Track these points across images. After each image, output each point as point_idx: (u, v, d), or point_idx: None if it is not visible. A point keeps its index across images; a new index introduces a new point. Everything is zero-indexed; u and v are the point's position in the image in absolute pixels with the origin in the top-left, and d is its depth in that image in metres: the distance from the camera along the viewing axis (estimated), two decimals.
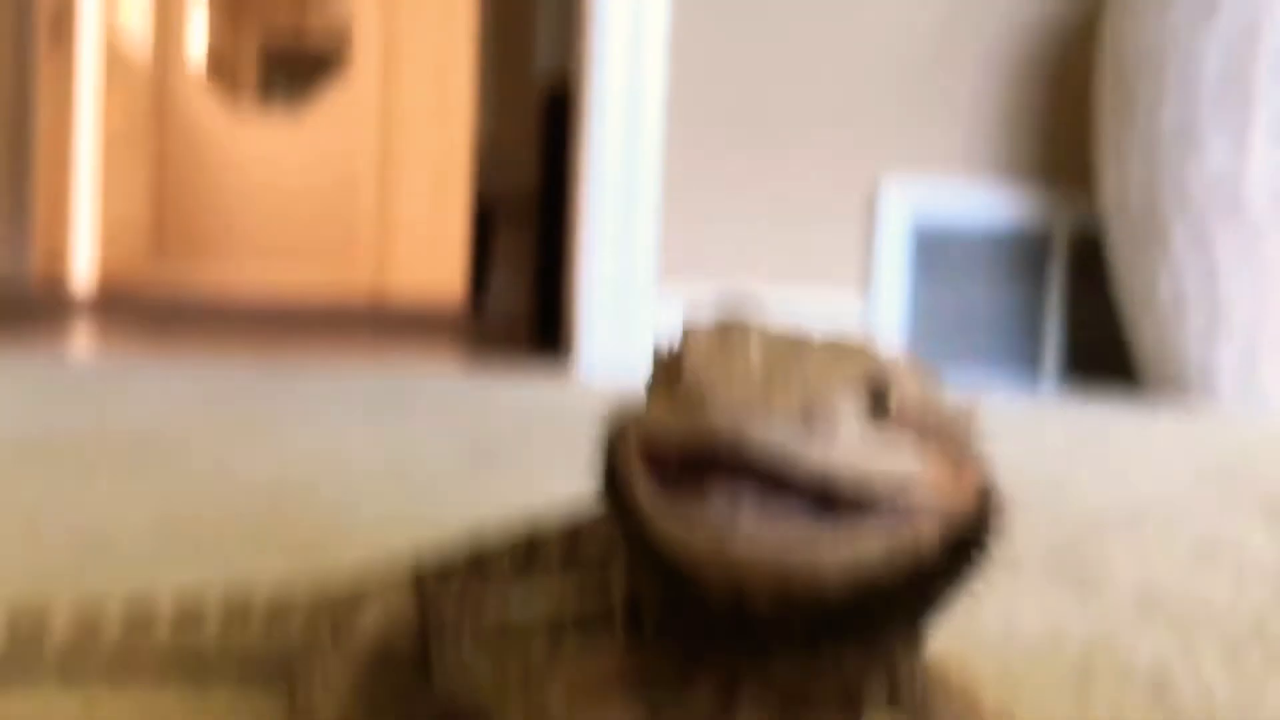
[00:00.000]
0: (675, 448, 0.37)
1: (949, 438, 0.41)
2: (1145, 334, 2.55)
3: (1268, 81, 2.34)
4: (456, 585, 0.59)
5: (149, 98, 6.67)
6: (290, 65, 7.80)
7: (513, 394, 2.32)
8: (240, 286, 4.96)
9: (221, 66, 7.74)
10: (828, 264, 2.83)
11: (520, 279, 4.05)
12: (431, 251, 6.26)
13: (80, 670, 0.70)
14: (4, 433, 1.57)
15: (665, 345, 0.44)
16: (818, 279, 2.81)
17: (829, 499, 0.36)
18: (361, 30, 6.81)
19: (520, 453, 1.59)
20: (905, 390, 0.39)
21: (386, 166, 6.53)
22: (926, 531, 0.38)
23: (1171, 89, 2.42)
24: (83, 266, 5.62)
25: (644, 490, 0.38)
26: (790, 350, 0.37)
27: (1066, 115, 2.83)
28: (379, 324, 4.30)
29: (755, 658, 0.42)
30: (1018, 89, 2.87)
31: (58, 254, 5.34)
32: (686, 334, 0.40)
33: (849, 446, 0.36)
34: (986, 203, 2.87)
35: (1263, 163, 2.36)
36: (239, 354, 2.93)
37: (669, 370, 0.41)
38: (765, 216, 2.80)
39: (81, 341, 3.42)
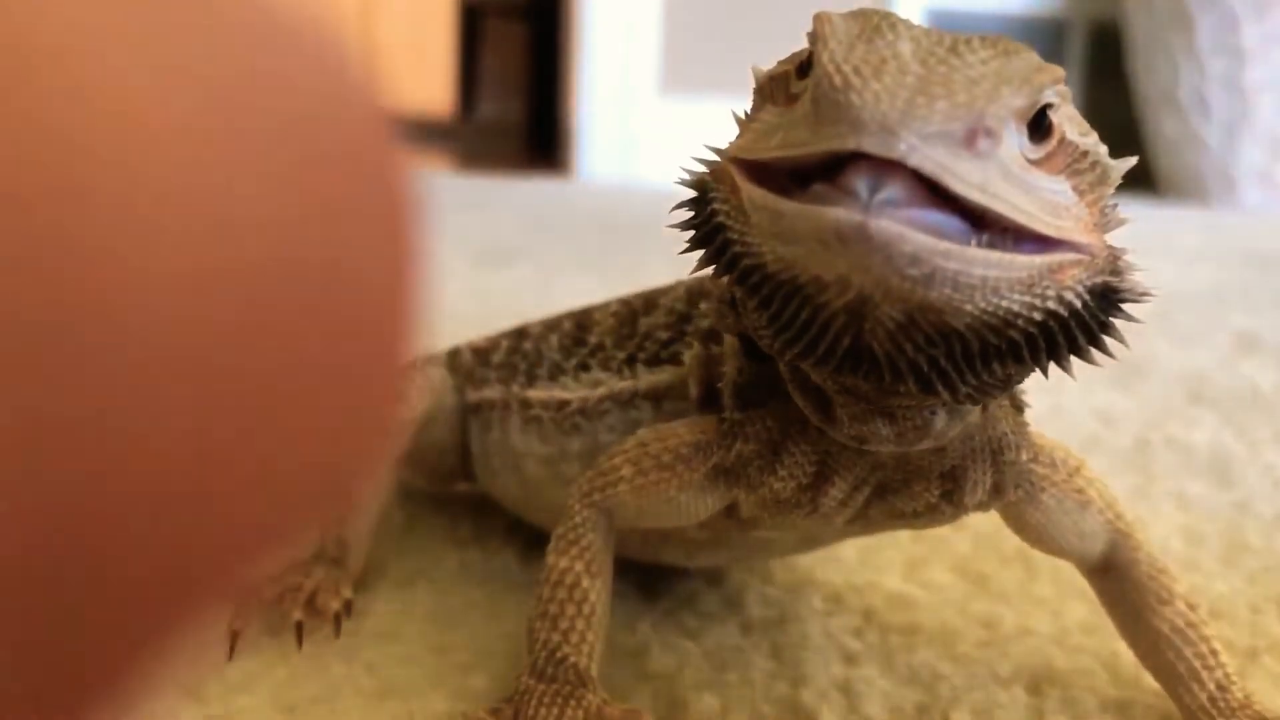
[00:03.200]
0: (797, 162, 0.30)
1: (1100, 177, 0.35)
2: (1164, 133, 2.47)
3: None
4: (499, 359, 0.55)
5: None
6: None
7: (512, 196, 2.25)
8: None
9: None
10: None
11: (512, 90, 3.91)
12: (415, 65, 6.11)
13: None
14: None
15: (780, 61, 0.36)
16: None
17: (977, 223, 0.30)
18: None
19: (526, 251, 1.53)
20: (1064, 111, 0.33)
21: None
22: (1071, 273, 0.32)
23: None
24: None
25: (756, 196, 0.31)
26: (947, 47, 0.31)
27: None
28: None
29: (861, 402, 0.36)
30: None
31: None
32: (820, 20, 0.32)
33: (1008, 172, 0.30)
34: None
35: None
36: None
37: (787, 76, 0.34)
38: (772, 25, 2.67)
39: None
